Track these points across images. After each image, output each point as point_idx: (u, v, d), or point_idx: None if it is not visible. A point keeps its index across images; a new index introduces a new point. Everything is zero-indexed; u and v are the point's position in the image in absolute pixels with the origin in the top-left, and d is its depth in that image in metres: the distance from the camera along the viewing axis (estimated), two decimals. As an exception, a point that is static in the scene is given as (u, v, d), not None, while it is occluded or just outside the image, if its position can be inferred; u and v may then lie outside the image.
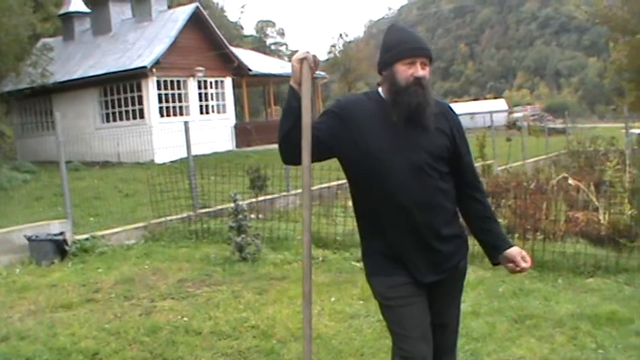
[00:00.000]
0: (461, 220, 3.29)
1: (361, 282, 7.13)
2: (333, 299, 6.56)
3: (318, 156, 3.09)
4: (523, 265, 3.17)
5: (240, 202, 8.75)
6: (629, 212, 8.45)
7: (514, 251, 3.19)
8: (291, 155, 3.12)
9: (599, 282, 6.94)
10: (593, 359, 4.79)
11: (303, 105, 3.01)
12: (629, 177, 10.05)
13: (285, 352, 5.18)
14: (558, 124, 37.69)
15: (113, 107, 25.84)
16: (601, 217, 9.14)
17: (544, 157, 21.59)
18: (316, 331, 5.59)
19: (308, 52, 3.02)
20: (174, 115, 25.43)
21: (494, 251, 3.24)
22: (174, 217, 10.91)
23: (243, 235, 8.48)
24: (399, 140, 3.00)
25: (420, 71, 3.01)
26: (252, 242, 8.55)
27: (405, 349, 3.08)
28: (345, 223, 9.47)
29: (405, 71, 3.00)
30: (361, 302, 6.44)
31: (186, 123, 12.13)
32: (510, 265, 3.20)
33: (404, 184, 2.98)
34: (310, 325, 3.14)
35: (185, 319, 6.08)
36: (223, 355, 5.18)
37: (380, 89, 3.14)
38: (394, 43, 3.07)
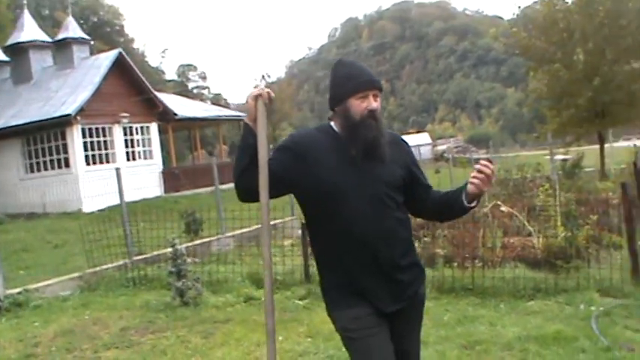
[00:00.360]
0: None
1: (307, 320, 7.14)
2: (280, 338, 6.51)
3: (275, 192, 3.08)
4: (486, 171, 2.98)
5: (179, 247, 8.64)
6: (563, 234, 8.67)
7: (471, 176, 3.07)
8: (248, 193, 3.10)
9: (540, 304, 7.10)
10: (544, 379, 4.87)
11: (259, 142, 3.02)
12: (564, 200, 10.32)
13: (240, 394, 5.12)
14: (482, 154, 38.61)
15: (37, 157, 25.24)
16: (535, 241, 9.37)
17: (472, 187, 22.00)
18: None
19: (262, 89, 3.05)
20: (101, 162, 25.04)
21: (462, 194, 3.10)
22: (109, 265, 10.71)
23: (183, 280, 8.36)
24: (356, 173, 3.02)
25: (373, 104, 3.06)
26: (192, 286, 8.43)
27: None
28: (283, 262, 9.45)
29: (358, 105, 3.04)
30: (309, 340, 6.43)
31: (117, 169, 11.97)
32: (476, 181, 3.00)
33: (363, 216, 2.99)
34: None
35: (133, 368, 5.96)
36: (176, 402, 5.09)
37: (332, 123, 3.16)
38: (345, 79, 3.10)
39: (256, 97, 3.03)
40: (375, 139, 3.02)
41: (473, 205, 3.12)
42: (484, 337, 6.02)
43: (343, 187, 3.00)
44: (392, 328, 3.17)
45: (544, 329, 6.07)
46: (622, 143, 33.78)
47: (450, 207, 3.22)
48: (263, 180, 2.99)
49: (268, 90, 3.06)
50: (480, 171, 2.99)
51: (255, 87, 3.05)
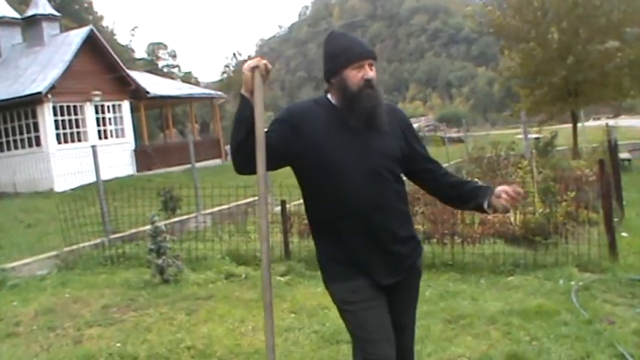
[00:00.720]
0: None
1: (289, 296, 7.17)
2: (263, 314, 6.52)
3: (272, 164, 3.07)
4: (517, 197, 3.16)
5: (159, 224, 8.58)
6: (541, 211, 8.76)
7: (498, 189, 3.17)
8: (246, 166, 3.07)
9: (520, 279, 7.21)
10: (530, 351, 4.97)
11: (256, 114, 2.99)
12: (540, 177, 10.42)
13: (228, 369, 5.14)
14: (452, 134, 38.83)
15: (7, 136, 24.80)
16: (512, 218, 9.45)
17: (445, 164, 22.18)
18: (253, 346, 5.57)
19: (259, 60, 3.01)
20: (72, 141, 24.72)
21: (484, 197, 3.17)
22: (86, 243, 10.61)
23: (163, 257, 8.32)
24: (354, 145, 3.02)
25: (370, 73, 3.05)
26: (172, 264, 8.40)
27: (369, 351, 3.10)
28: (264, 239, 9.42)
29: (354, 76, 3.02)
30: (293, 315, 6.45)
31: (93, 147, 11.84)
32: (505, 201, 3.13)
33: (361, 188, 3.00)
34: (273, 335, 3.16)
35: (118, 344, 5.92)
36: (165, 378, 5.08)
37: (329, 95, 3.14)
38: (339, 50, 3.08)
39: (253, 69, 2.99)
40: (374, 108, 3.03)
41: (490, 211, 3.22)
42: (467, 311, 6.08)
43: (340, 159, 3.00)
44: (390, 301, 3.20)
45: (526, 303, 6.16)
46: (592, 123, 34.21)
47: (464, 201, 3.27)
48: (260, 152, 2.97)
49: (265, 62, 3.02)
50: (512, 196, 3.13)
51: (249, 58, 3.01)
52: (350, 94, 3.03)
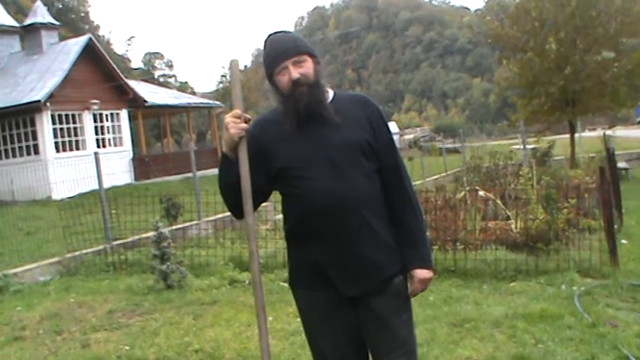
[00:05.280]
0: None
1: (294, 301, 7.18)
2: (270, 318, 6.58)
3: (267, 192, 3.10)
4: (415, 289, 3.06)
5: (163, 230, 8.63)
6: (542, 218, 8.83)
7: (419, 274, 3.03)
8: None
9: (522, 285, 7.27)
10: (535, 353, 5.03)
11: (242, 175, 2.96)
12: (543, 184, 10.50)
13: (237, 371, 5.18)
14: (449, 144, 38.94)
15: (5, 144, 24.82)
16: (513, 225, 9.53)
17: (444, 174, 22.36)
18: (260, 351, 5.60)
19: (236, 118, 2.95)
20: (71, 149, 24.76)
21: (409, 263, 3.04)
22: (88, 250, 10.66)
23: (167, 263, 8.37)
24: (309, 144, 2.91)
25: (294, 73, 2.90)
26: (176, 270, 8.45)
27: None
28: (265, 245, 9.49)
29: (281, 80, 2.94)
30: (298, 320, 6.43)
31: (96, 154, 11.93)
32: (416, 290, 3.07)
33: (322, 187, 2.85)
34: (267, 337, 3.08)
35: (126, 347, 5.97)
36: (175, 380, 5.13)
37: None
38: (264, 59, 3.03)
39: (239, 137, 2.92)
40: (309, 105, 2.87)
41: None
42: (472, 315, 6.14)
43: (299, 164, 2.90)
44: (358, 316, 3.02)
45: (529, 308, 6.22)
46: (588, 133, 34.36)
47: (399, 237, 3.06)
48: (249, 207, 2.97)
49: (246, 116, 2.96)
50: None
51: (230, 115, 2.93)
52: (283, 98, 2.94)
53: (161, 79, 70.75)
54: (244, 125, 2.92)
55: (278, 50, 2.94)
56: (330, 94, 3.05)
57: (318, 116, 2.89)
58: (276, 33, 3.06)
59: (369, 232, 2.91)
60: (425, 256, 3.08)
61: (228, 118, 2.93)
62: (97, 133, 26.39)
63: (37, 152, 24.04)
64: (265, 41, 3.05)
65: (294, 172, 2.90)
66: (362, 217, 2.88)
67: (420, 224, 3.12)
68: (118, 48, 72.82)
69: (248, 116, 2.96)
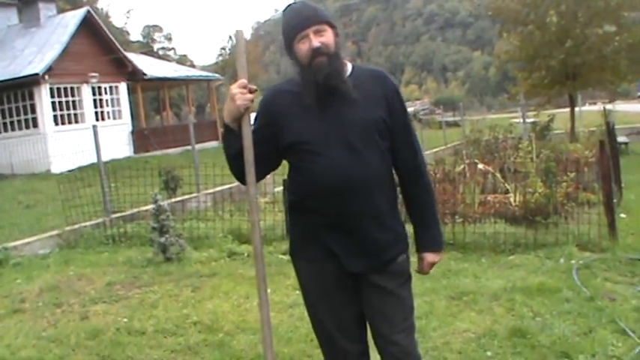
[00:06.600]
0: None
1: (292, 273, 7.14)
2: (269, 291, 6.57)
3: (274, 162, 3.07)
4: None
5: (161, 203, 8.62)
6: (541, 191, 8.83)
7: (429, 258, 3.14)
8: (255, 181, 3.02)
9: (521, 258, 7.28)
10: (533, 326, 5.04)
11: (245, 146, 2.92)
12: (540, 158, 10.49)
13: (235, 343, 5.21)
14: (448, 117, 38.87)
15: (4, 117, 24.70)
16: (512, 198, 9.53)
17: (443, 147, 22.36)
18: (259, 322, 5.61)
19: (243, 88, 2.90)
20: (69, 122, 24.69)
21: (420, 245, 3.15)
22: (87, 223, 10.67)
23: (166, 236, 8.38)
24: (324, 119, 2.86)
25: (315, 41, 2.84)
26: (175, 242, 8.46)
27: (323, 344, 3.15)
28: (264, 218, 9.48)
29: (301, 49, 2.87)
30: (297, 292, 6.47)
31: (94, 127, 11.90)
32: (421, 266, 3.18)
33: (334, 163, 2.82)
34: (268, 310, 3.11)
35: (125, 320, 6.00)
36: (174, 352, 5.14)
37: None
38: (284, 28, 2.95)
39: (245, 108, 2.89)
40: (329, 77, 2.82)
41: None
42: (470, 288, 6.16)
43: (312, 139, 2.85)
44: (360, 291, 3.03)
45: (528, 281, 6.24)
46: (588, 107, 34.28)
47: (411, 216, 3.15)
48: (251, 179, 2.96)
49: (254, 88, 2.92)
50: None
51: (235, 84, 2.88)
52: (302, 68, 2.89)
53: (160, 52, 70.38)
54: (250, 96, 2.88)
55: (299, 18, 2.89)
56: (349, 67, 2.98)
57: (336, 90, 2.84)
58: (295, 3, 3.02)
59: (377, 212, 2.90)
60: (437, 238, 3.16)
61: (235, 89, 2.87)
62: (95, 106, 26.28)
63: (35, 125, 23.95)
64: (285, 11, 3.01)
65: (307, 146, 2.86)
66: (371, 197, 2.87)
67: (433, 205, 3.16)
68: (117, 21, 72.41)
69: (254, 87, 2.92)
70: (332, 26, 2.93)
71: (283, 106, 2.94)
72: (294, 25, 2.89)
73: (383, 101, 2.93)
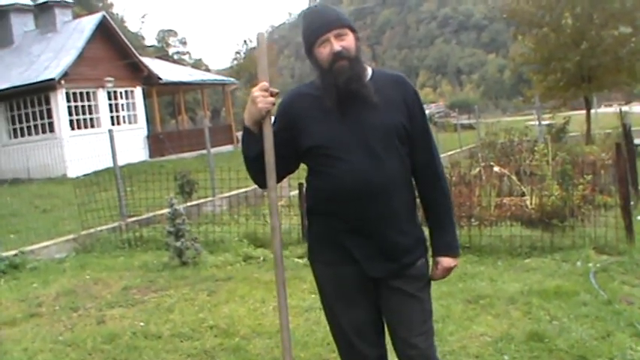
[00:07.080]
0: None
1: (309, 277, 7.16)
2: (285, 295, 6.59)
3: (293, 165, 3.07)
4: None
5: (177, 207, 8.64)
6: (557, 194, 8.78)
7: (444, 263, 3.08)
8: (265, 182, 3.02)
9: (537, 261, 7.23)
10: (550, 330, 5.01)
11: (266, 150, 2.92)
12: (555, 161, 10.45)
13: (251, 347, 5.21)
14: (463, 120, 38.76)
15: (21, 122, 24.99)
16: (528, 201, 9.49)
17: (459, 150, 22.31)
18: (275, 326, 5.60)
19: (264, 91, 2.90)
20: (85, 127, 24.93)
21: (435, 249, 3.11)
22: (103, 227, 10.72)
23: (182, 240, 8.39)
24: (345, 123, 2.85)
25: (336, 45, 2.83)
26: (191, 246, 8.47)
27: (341, 346, 3.13)
28: (280, 221, 9.46)
29: (322, 53, 2.85)
30: (313, 296, 6.48)
31: (110, 131, 11.95)
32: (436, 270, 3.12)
33: (354, 168, 2.80)
34: (287, 315, 3.09)
35: (141, 324, 6.00)
36: (190, 356, 5.15)
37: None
38: (304, 31, 2.94)
39: (267, 110, 2.88)
40: (350, 81, 2.80)
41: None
42: (487, 292, 6.13)
43: (332, 144, 2.83)
44: (379, 295, 3.02)
45: (545, 284, 6.20)
46: (603, 109, 34.06)
47: (428, 220, 3.13)
48: (272, 182, 2.96)
49: (276, 91, 2.92)
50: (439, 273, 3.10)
51: (258, 88, 2.88)
52: (322, 72, 2.86)
53: (175, 57, 70.66)
54: (272, 99, 2.88)
55: (320, 22, 2.88)
56: (369, 71, 2.97)
57: (357, 94, 2.83)
58: (315, 6, 3.02)
59: (397, 218, 2.90)
60: (452, 243, 3.13)
61: (256, 92, 2.86)
62: (111, 111, 26.49)
63: (52, 130, 24.19)
64: (305, 14, 3.03)
65: (326, 151, 2.85)
66: (391, 201, 2.86)
67: (450, 209, 3.13)
68: (132, 25, 72.80)
69: (275, 90, 2.91)
70: (353, 30, 2.92)
71: (302, 109, 2.93)
72: (314, 28, 2.89)
73: (403, 106, 2.92)
